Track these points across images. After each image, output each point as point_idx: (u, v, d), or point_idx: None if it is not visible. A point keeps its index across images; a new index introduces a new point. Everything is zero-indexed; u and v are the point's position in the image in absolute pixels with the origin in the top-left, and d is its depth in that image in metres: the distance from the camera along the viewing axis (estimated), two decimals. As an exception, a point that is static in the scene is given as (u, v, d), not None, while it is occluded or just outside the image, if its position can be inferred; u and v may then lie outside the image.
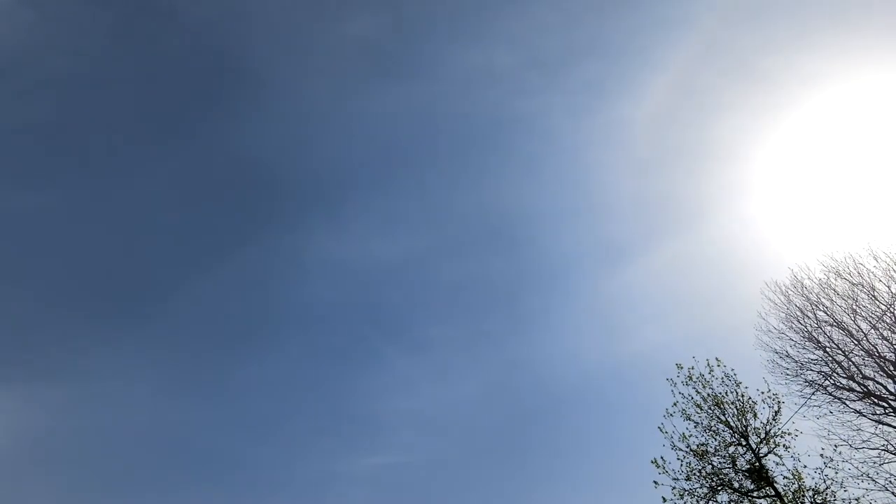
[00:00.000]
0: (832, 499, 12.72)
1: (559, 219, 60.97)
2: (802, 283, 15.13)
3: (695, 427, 14.58)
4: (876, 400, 13.33)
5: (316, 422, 49.57)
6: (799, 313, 14.90)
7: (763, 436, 13.87)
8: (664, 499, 13.58)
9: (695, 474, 13.91)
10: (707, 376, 14.99)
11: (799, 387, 14.56)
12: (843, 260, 14.64)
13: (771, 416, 14.03)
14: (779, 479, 13.38)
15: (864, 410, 13.54)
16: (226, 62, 51.41)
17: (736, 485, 13.64)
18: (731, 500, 13.58)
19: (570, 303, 59.03)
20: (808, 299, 14.83)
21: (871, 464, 12.97)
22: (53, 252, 49.46)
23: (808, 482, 13.10)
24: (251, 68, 52.57)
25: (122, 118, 50.56)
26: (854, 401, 13.72)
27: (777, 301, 15.47)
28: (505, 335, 57.35)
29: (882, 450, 13.03)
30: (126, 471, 42.03)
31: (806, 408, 14.08)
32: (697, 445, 14.29)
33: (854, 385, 13.73)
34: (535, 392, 53.31)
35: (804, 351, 14.65)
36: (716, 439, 14.24)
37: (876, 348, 13.40)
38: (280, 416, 49.47)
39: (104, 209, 50.87)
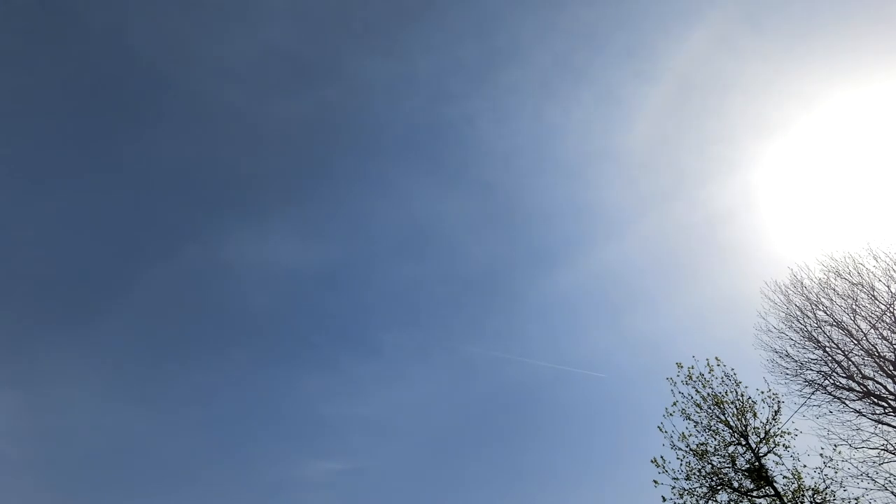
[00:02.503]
0: (832, 498, 12.72)
1: (489, 224, 61.49)
2: (802, 283, 15.15)
3: (694, 426, 14.60)
4: (875, 399, 13.34)
5: (268, 427, 49.47)
6: (799, 313, 14.91)
7: (763, 435, 13.88)
8: (664, 498, 13.60)
9: (694, 474, 13.91)
10: (707, 376, 15.01)
11: (799, 386, 14.59)
12: (843, 260, 14.67)
13: (771, 416, 14.04)
14: (778, 478, 13.39)
15: (864, 410, 13.55)
16: (137, 68, 50.44)
17: (736, 484, 13.65)
18: (731, 500, 13.59)
19: (512, 306, 59.82)
20: (808, 299, 14.84)
21: (870, 463, 12.99)
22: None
23: (808, 482, 13.11)
24: (164, 74, 51.71)
25: (38, 121, 49.14)
26: (854, 400, 13.74)
27: (777, 301, 15.49)
28: (454, 339, 57.86)
29: (881, 449, 13.04)
30: (77, 476, 41.67)
31: (805, 407, 14.11)
32: (697, 445, 14.30)
33: (854, 385, 13.74)
34: (488, 395, 54.17)
35: (804, 350, 14.67)
36: (715, 439, 14.25)
37: (875, 348, 13.41)
38: (231, 422, 49.25)
39: (30, 214, 49.68)
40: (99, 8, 46.44)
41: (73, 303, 50.65)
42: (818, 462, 13.17)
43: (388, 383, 54.19)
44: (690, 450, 14.25)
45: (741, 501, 13.54)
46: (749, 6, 50.02)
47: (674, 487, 13.73)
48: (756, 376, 14.94)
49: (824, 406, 14.10)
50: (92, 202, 51.92)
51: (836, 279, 14.53)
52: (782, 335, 15.13)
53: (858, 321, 13.78)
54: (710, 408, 14.61)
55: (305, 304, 58.67)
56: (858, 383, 13.65)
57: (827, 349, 14.22)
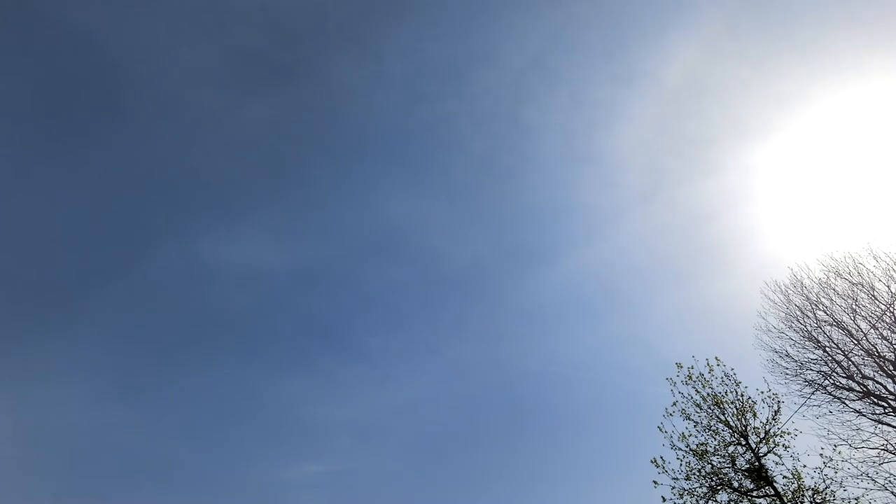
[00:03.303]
0: (831, 498, 12.71)
1: (467, 225, 61.55)
2: (802, 283, 15.15)
3: (694, 426, 14.59)
4: (875, 399, 13.33)
5: (252, 429, 49.29)
6: (799, 313, 14.91)
7: (763, 435, 13.87)
8: (664, 498, 13.59)
9: (694, 474, 13.91)
10: (707, 376, 15.00)
11: (798, 386, 14.58)
12: (843, 259, 14.67)
13: (770, 416, 14.02)
14: (778, 478, 13.38)
15: (864, 410, 13.55)
16: (109, 69, 49.88)
17: (735, 484, 13.64)
18: (731, 500, 13.58)
19: (494, 308, 60.04)
20: (808, 299, 14.84)
21: (870, 463, 12.99)
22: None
23: (808, 482, 13.10)
24: (135, 75, 51.29)
25: (9, 124, 47.84)
26: (854, 400, 13.73)
27: (777, 300, 15.49)
28: (437, 341, 58.01)
29: (881, 449, 13.03)
30: (60, 477, 41.35)
31: (805, 407, 14.10)
32: (697, 445, 14.29)
33: (854, 385, 13.74)
34: (473, 396, 54.26)
35: (804, 350, 14.66)
36: (715, 439, 14.24)
37: (875, 348, 13.40)
38: (214, 423, 48.99)
39: (4, 217, 48.67)
40: (69, 9, 46.01)
41: (48, 305, 50.15)
42: (818, 462, 13.18)
43: (372, 385, 54.24)
44: (690, 450, 14.24)
45: (741, 501, 13.54)
46: (727, 9, 50.43)
47: (674, 487, 13.73)
48: (754, 376, 14.96)
49: (824, 406, 14.11)
50: (66, 204, 51.53)
51: (836, 279, 14.53)
52: (782, 335, 15.14)
53: (858, 321, 13.78)
54: (709, 408, 14.61)
55: (285, 306, 58.59)
56: (858, 383, 13.64)
57: (827, 349, 14.21)
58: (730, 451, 14.02)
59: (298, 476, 44.59)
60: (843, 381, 13.91)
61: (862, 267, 14.15)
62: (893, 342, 13.20)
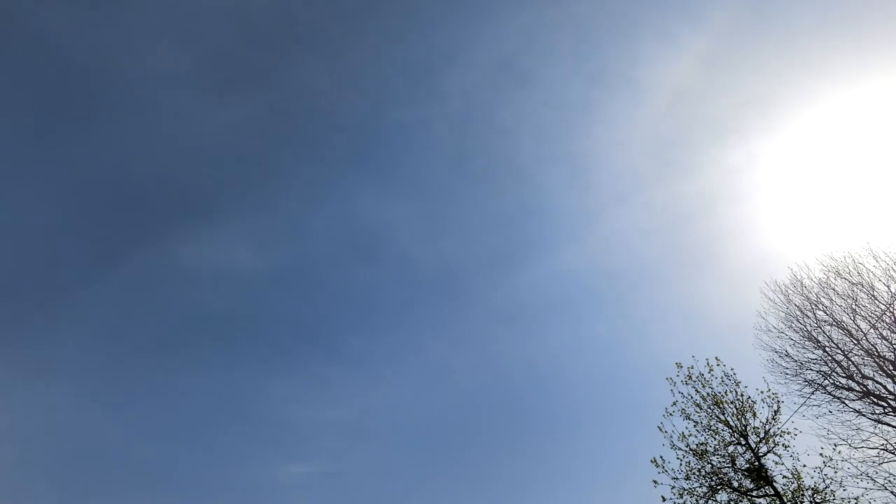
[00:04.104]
0: (831, 498, 12.72)
1: (443, 228, 61.70)
2: (802, 283, 15.15)
3: (694, 426, 14.61)
4: (875, 399, 13.34)
5: (242, 430, 49.15)
6: (798, 313, 14.92)
7: (762, 435, 13.88)
8: (664, 498, 13.60)
9: (694, 473, 13.92)
10: (706, 375, 15.02)
11: (798, 386, 14.60)
12: (843, 259, 14.68)
13: (770, 416, 14.04)
14: (778, 478, 13.40)
15: (864, 410, 13.56)
16: (86, 74, 49.52)
17: (735, 484, 13.65)
18: (731, 500, 13.59)
19: (474, 309, 60.15)
20: (808, 299, 14.85)
21: (870, 463, 12.99)
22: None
23: (808, 481, 13.11)
24: (106, 79, 50.77)
25: None
26: (853, 400, 13.74)
27: (776, 300, 15.50)
28: (420, 342, 58.09)
29: (881, 449, 13.04)
30: (49, 478, 41.16)
31: (805, 407, 14.11)
32: (697, 445, 14.31)
33: (853, 384, 13.75)
34: (459, 397, 54.35)
35: (803, 350, 14.68)
36: (715, 438, 14.25)
37: (875, 348, 13.41)
38: (204, 425, 48.83)
39: None
40: (41, 12, 45.13)
41: (28, 309, 49.63)
42: (818, 462, 13.19)
43: (357, 387, 54.22)
44: (690, 449, 14.25)
45: (741, 501, 13.55)
46: (697, 10, 50.75)
47: (673, 487, 13.75)
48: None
49: (824, 406, 14.13)
50: (43, 208, 50.79)
51: (835, 279, 14.54)
52: (782, 335, 15.15)
53: (858, 321, 13.79)
54: (709, 407, 14.62)
55: (266, 308, 58.31)
56: (858, 383, 13.65)
57: (827, 349, 14.23)
58: (730, 451, 14.03)
59: (287, 477, 44.64)
60: (843, 380, 13.92)
61: (861, 267, 14.17)
62: (893, 342, 13.21)
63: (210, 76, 54.31)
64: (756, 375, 15.47)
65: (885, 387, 13.22)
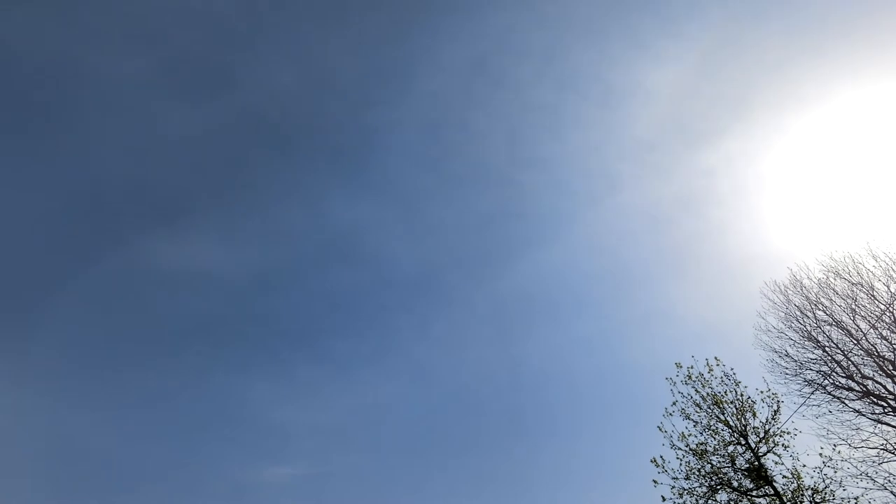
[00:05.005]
0: (831, 498, 12.72)
1: (420, 230, 61.54)
2: (801, 283, 15.17)
3: (694, 426, 14.61)
4: (875, 399, 13.35)
5: (222, 432, 48.61)
6: (798, 313, 14.93)
7: (762, 435, 13.88)
8: (663, 498, 13.60)
9: (694, 473, 13.92)
10: (706, 375, 15.02)
11: (798, 386, 14.61)
12: (843, 259, 14.70)
13: (770, 416, 14.04)
14: (778, 478, 13.40)
15: (863, 409, 13.57)
16: (52, 78, 49.00)
17: (735, 484, 13.65)
18: (731, 499, 13.59)
19: (452, 311, 60.01)
20: (808, 299, 14.87)
21: (869, 463, 13.00)
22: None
23: (807, 481, 13.11)
24: (81, 83, 50.46)
25: None
26: (853, 400, 13.75)
27: (776, 300, 15.52)
28: (403, 344, 57.70)
29: (881, 449, 13.05)
30: (25, 480, 40.31)
31: (805, 407, 14.12)
32: (697, 444, 14.31)
33: (853, 384, 13.76)
34: (442, 398, 54.01)
35: (803, 350, 14.69)
36: (715, 438, 14.25)
37: (875, 348, 13.43)
38: (186, 427, 48.24)
39: None
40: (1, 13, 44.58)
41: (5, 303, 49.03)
42: (817, 461, 13.18)
43: (339, 388, 53.80)
44: (690, 449, 14.26)
45: (741, 501, 13.55)
46: (670, 14, 51.08)
47: (673, 487, 13.74)
48: (756, 376, 15.00)
49: (824, 406, 14.14)
50: (8, 212, 49.58)
51: (835, 279, 14.56)
52: (782, 335, 15.16)
53: (858, 321, 13.81)
54: (709, 407, 14.63)
55: (242, 309, 57.67)
56: (858, 383, 13.67)
57: (826, 349, 14.24)
58: (729, 451, 14.04)
59: (269, 479, 44.30)
60: (843, 380, 13.93)
61: (861, 267, 14.19)
62: (893, 342, 13.23)
63: (180, 78, 53.90)
64: (750, 375, 15.50)
65: (884, 387, 13.23)
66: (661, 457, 14.12)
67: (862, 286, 13.98)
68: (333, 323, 58.91)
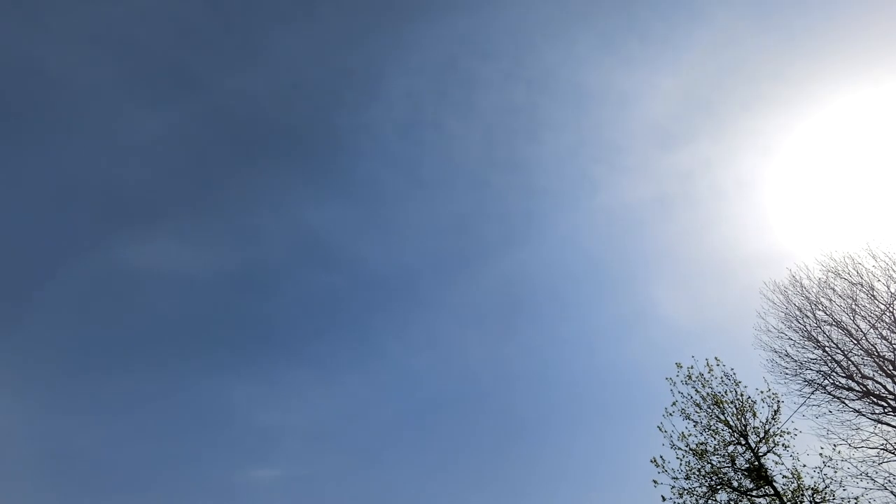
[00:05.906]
0: (831, 498, 12.73)
1: (398, 233, 61.24)
2: (801, 283, 15.18)
3: (694, 426, 14.61)
4: (875, 399, 13.35)
5: (202, 434, 47.98)
6: (798, 313, 14.94)
7: (762, 435, 13.89)
8: (663, 497, 13.61)
9: (694, 473, 13.92)
10: (706, 375, 15.03)
11: (798, 386, 14.61)
12: (842, 259, 14.70)
13: (770, 416, 14.05)
14: (778, 478, 13.40)
15: (864, 409, 13.57)
16: (21, 80, 47.67)
17: (735, 484, 13.65)
18: (731, 499, 13.59)
19: (430, 312, 59.91)
20: (808, 299, 14.87)
21: (870, 463, 13.00)
22: None
23: (808, 481, 13.11)
24: (47, 85, 48.91)
25: None
26: (853, 400, 13.75)
27: (776, 300, 15.52)
28: (382, 346, 57.30)
29: (881, 449, 13.05)
30: (5, 483, 40.14)
31: (805, 407, 14.12)
32: (697, 444, 14.31)
33: (853, 384, 13.76)
34: (424, 400, 53.89)
35: (803, 350, 14.69)
36: (715, 438, 14.26)
37: (875, 348, 13.43)
38: (166, 430, 47.67)
39: None
40: None
41: None
42: (818, 461, 13.19)
43: (319, 390, 53.28)
44: (690, 449, 14.26)
45: (741, 501, 13.55)
46: (639, 15, 51.20)
47: (673, 487, 13.74)
48: (756, 376, 15.00)
49: (824, 406, 14.14)
50: None
51: (835, 279, 14.57)
52: (782, 335, 15.17)
53: (858, 321, 13.81)
54: (709, 407, 14.63)
55: (218, 311, 56.91)
56: (858, 383, 13.67)
57: (826, 349, 14.24)
58: (729, 451, 14.04)
59: (251, 481, 44.07)
60: (843, 380, 13.94)
61: (861, 267, 14.20)
62: (893, 342, 13.23)
63: (148, 80, 52.98)
64: (750, 375, 15.52)
65: (884, 387, 13.23)
66: (661, 457, 14.14)
67: (862, 286, 13.99)
68: (312, 325, 58.59)
